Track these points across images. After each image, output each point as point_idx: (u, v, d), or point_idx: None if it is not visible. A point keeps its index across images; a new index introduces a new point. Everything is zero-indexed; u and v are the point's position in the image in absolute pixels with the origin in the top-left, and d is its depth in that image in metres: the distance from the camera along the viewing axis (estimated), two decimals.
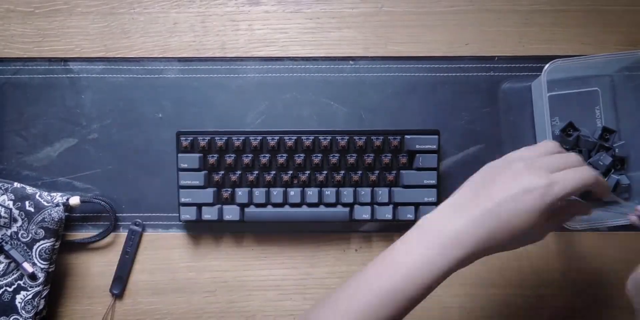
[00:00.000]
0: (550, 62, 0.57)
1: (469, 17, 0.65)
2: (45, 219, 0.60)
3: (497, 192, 0.47)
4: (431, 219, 0.49)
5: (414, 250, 0.47)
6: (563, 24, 0.65)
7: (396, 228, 0.64)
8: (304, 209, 0.62)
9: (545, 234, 0.51)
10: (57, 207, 0.60)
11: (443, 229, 0.47)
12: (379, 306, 0.46)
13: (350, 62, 0.65)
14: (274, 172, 0.62)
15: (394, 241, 0.63)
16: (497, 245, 0.47)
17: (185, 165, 0.62)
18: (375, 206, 0.62)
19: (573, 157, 0.49)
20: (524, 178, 0.47)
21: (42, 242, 0.60)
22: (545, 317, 0.64)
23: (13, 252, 0.59)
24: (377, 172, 0.62)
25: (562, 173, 0.47)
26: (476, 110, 0.65)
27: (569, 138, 0.62)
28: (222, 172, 0.62)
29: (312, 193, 0.62)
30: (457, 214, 0.48)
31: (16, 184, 0.61)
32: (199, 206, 0.62)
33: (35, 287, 0.60)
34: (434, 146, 0.61)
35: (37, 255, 0.60)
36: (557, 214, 0.50)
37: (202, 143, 0.61)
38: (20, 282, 0.60)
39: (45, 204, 0.60)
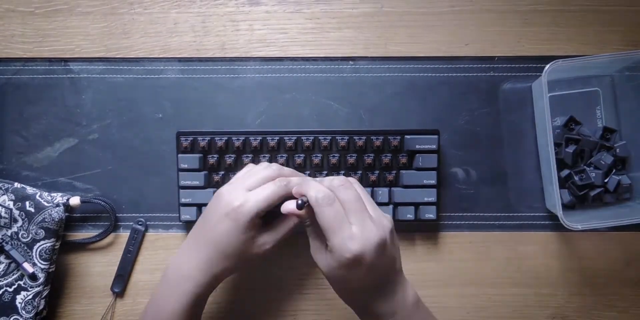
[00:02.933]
0: (551, 63, 0.57)
1: (469, 17, 0.65)
2: (46, 219, 0.60)
3: (208, 220, 0.52)
4: (172, 260, 0.54)
5: (159, 290, 0.53)
6: (563, 24, 0.65)
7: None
8: None
9: (269, 249, 0.53)
10: (57, 208, 0.60)
11: (178, 267, 0.53)
12: None
13: (350, 62, 0.65)
14: None
15: None
16: (222, 268, 0.52)
17: (185, 166, 0.62)
18: None
19: (269, 171, 0.54)
20: (223, 201, 0.51)
21: (42, 242, 0.60)
22: (545, 317, 0.64)
23: (13, 253, 0.59)
24: (377, 172, 0.62)
25: (255, 191, 0.52)
26: (476, 111, 0.65)
27: (571, 132, 0.62)
28: (223, 172, 0.62)
29: None
30: (187, 251, 0.53)
31: (16, 184, 0.61)
32: (199, 206, 0.62)
33: (36, 287, 0.60)
34: (434, 146, 0.61)
35: (38, 256, 0.60)
36: (271, 229, 0.54)
37: (202, 143, 0.61)
38: (21, 283, 0.60)
39: (46, 204, 0.60)
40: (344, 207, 0.48)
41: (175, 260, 0.53)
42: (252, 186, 0.52)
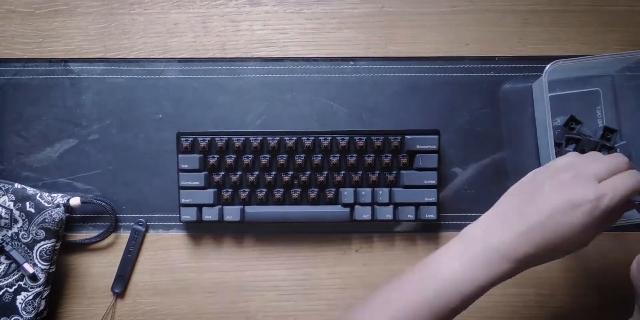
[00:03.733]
0: (552, 63, 0.57)
1: (469, 17, 0.65)
2: (46, 220, 0.60)
3: (543, 205, 0.46)
4: (476, 230, 0.48)
5: (456, 262, 0.46)
6: (563, 24, 0.65)
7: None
8: (305, 209, 0.62)
9: (592, 240, 0.48)
10: (57, 208, 0.60)
11: (487, 242, 0.46)
12: (417, 313, 0.46)
13: (351, 62, 0.65)
14: (274, 172, 0.62)
15: (394, 241, 0.64)
16: (542, 258, 0.46)
17: (185, 166, 0.62)
18: (376, 206, 0.62)
19: (620, 158, 0.47)
20: (570, 190, 0.45)
21: (42, 242, 0.60)
22: (545, 317, 0.64)
23: (14, 253, 0.59)
24: (377, 172, 0.62)
25: (611, 181, 0.45)
26: (477, 111, 0.65)
27: (572, 131, 0.62)
28: (223, 172, 0.62)
29: (312, 193, 0.62)
30: (502, 227, 0.47)
31: (17, 185, 0.61)
32: (200, 207, 0.62)
33: (36, 287, 0.60)
34: (434, 146, 0.61)
35: (38, 256, 0.60)
36: (606, 220, 0.47)
37: (203, 144, 0.61)
38: (21, 283, 0.60)
39: (46, 204, 0.60)
40: None
41: (483, 234, 0.47)
42: (602, 177, 0.45)
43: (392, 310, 0.47)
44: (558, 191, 0.45)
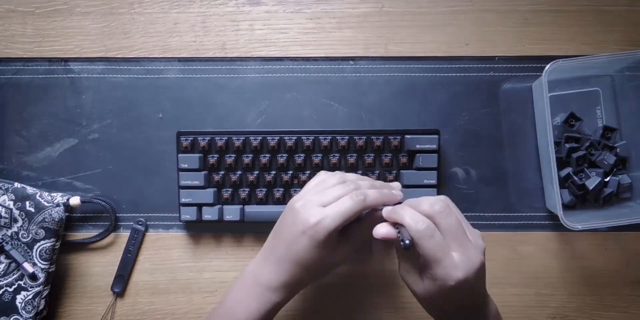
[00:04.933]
0: (551, 63, 0.57)
1: (469, 17, 0.65)
2: (46, 219, 0.60)
3: (285, 236, 0.51)
4: (250, 269, 0.54)
5: (236, 296, 0.53)
6: (563, 24, 0.65)
7: None
8: None
9: (347, 255, 0.53)
10: (57, 208, 0.60)
11: (256, 276, 0.53)
12: None
13: (351, 62, 0.65)
14: (274, 172, 0.62)
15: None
16: (300, 284, 0.53)
17: (185, 166, 0.62)
18: None
19: (340, 190, 0.52)
20: (298, 219, 0.50)
21: (42, 242, 0.60)
22: (545, 317, 0.64)
23: (13, 252, 0.59)
24: (377, 172, 0.62)
25: (331, 207, 0.50)
26: (476, 111, 0.65)
27: (572, 128, 0.62)
28: (223, 172, 0.62)
29: None
30: (264, 263, 0.53)
31: (16, 184, 0.61)
32: (200, 206, 0.62)
33: (36, 287, 0.60)
34: (434, 146, 0.61)
35: (38, 256, 0.60)
36: (349, 239, 0.53)
37: (203, 143, 0.61)
38: (21, 282, 0.60)
39: (46, 204, 0.60)
40: (444, 234, 0.46)
41: (253, 270, 0.53)
42: (327, 202, 0.51)
43: None
44: (292, 221, 0.51)
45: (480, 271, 0.46)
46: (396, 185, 0.57)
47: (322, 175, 0.55)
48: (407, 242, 0.45)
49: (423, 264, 0.46)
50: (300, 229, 0.50)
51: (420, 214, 0.47)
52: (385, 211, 0.50)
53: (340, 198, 0.51)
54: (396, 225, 0.48)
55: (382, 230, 0.49)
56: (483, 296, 0.50)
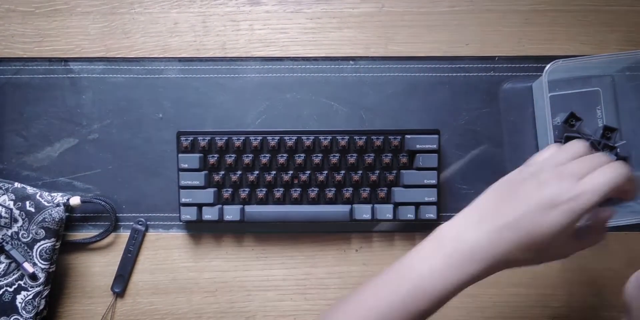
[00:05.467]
0: (552, 63, 0.57)
1: (470, 17, 0.65)
2: (46, 219, 0.60)
3: (519, 204, 0.44)
4: (449, 229, 0.47)
5: (427, 263, 0.45)
6: (563, 24, 0.65)
7: (400, 228, 0.64)
8: (305, 208, 0.62)
9: (573, 251, 0.47)
10: (57, 207, 0.60)
11: (460, 241, 0.45)
12: (389, 316, 0.45)
13: (351, 62, 0.65)
14: (274, 172, 0.62)
15: (394, 241, 0.64)
16: (516, 261, 0.45)
17: (185, 166, 0.62)
18: (376, 206, 0.62)
19: (601, 157, 0.45)
20: (549, 189, 0.44)
21: (42, 242, 0.60)
22: (545, 317, 0.64)
23: (14, 252, 0.59)
24: (377, 172, 0.62)
25: (589, 178, 0.43)
26: (477, 111, 0.65)
27: (572, 128, 0.62)
28: (223, 172, 0.62)
29: (312, 193, 0.62)
30: (476, 226, 0.45)
31: (17, 184, 0.61)
32: (200, 206, 0.62)
33: (36, 287, 0.60)
34: (435, 146, 0.61)
35: (38, 256, 0.60)
36: (585, 230, 0.47)
37: (203, 143, 0.61)
38: (21, 282, 0.60)
39: (46, 204, 0.60)
40: None
41: (455, 235, 0.46)
42: (581, 173, 0.44)
43: (364, 312, 0.46)
44: (536, 189, 0.44)
45: None
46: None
47: (566, 147, 0.48)
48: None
49: None
50: (550, 201, 0.43)
51: None
52: None
53: (589, 167, 0.44)
54: None
55: None
56: None
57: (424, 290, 0.45)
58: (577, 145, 0.47)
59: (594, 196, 0.42)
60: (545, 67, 0.57)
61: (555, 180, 0.44)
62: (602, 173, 0.43)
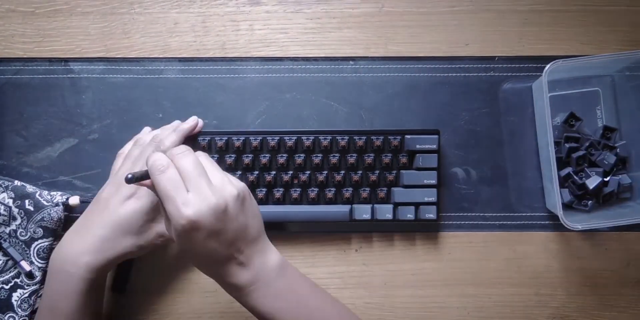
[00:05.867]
0: (551, 63, 0.57)
1: (469, 17, 0.65)
2: (45, 218, 0.60)
3: (108, 205, 0.54)
4: (55, 251, 0.54)
5: (48, 286, 0.53)
6: (563, 24, 0.65)
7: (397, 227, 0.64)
8: (304, 209, 0.62)
9: (161, 238, 0.56)
10: (56, 207, 0.60)
11: (65, 257, 0.53)
12: None
13: (351, 62, 0.65)
14: (274, 172, 0.62)
15: (393, 241, 0.64)
16: (121, 249, 0.54)
17: None
18: (375, 206, 0.62)
19: (138, 151, 0.57)
20: (123, 187, 0.54)
21: (40, 241, 0.60)
22: (545, 317, 0.64)
23: (11, 250, 0.59)
24: (377, 172, 0.62)
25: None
26: (476, 111, 0.65)
27: (572, 128, 0.62)
28: None
29: (312, 193, 0.62)
30: (74, 240, 0.53)
31: (16, 182, 0.61)
32: None
33: (32, 285, 0.60)
34: (434, 146, 0.61)
35: (35, 254, 0.60)
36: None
37: (202, 143, 0.61)
38: (17, 280, 0.60)
39: (45, 203, 0.60)
40: (181, 175, 0.46)
41: (60, 252, 0.53)
42: (131, 166, 0.56)
43: None
44: (115, 191, 0.55)
45: (218, 213, 0.45)
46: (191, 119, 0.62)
47: (133, 141, 0.60)
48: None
49: (163, 206, 0.46)
50: (125, 195, 0.54)
51: (160, 154, 0.47)
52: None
53: (132, 157, 0.56)
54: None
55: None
56: (245, 249, 0.48)
57: (51, 306, 0.53)
58: (135, 148, 0.58)
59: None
60: (545, 67, 0.57)
61: (119, 181, 0.55)
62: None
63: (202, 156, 0.50)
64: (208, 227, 0.45)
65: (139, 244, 0.55)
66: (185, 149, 0.48)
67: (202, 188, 0.46)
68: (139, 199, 0.54)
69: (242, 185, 0.49)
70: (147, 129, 0.62)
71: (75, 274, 0.52)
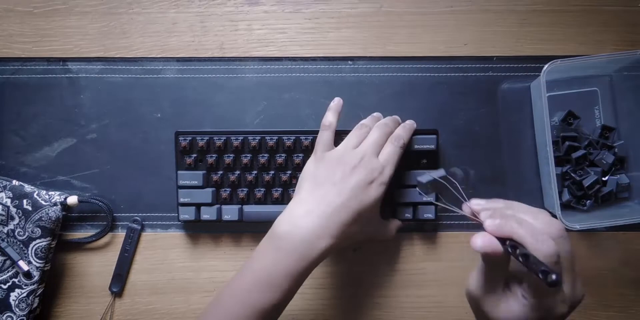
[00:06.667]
0: (550, 63, 0.57)
1: (468, 17, 0.65)
2: (43, 218, 0.59)
3: (342, 189, 0.52)
4: (283, 227, 0.52)
5: (269, 261, 0.51)
6: (561, 24, 0.65)
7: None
8: None
9: (393, 229, 0.59)
10: (54, 207, 0.60)
11: (296, 235, 0.50)
12: (241, 317, 0.50)
13: (349, 62, 0.65)
14: (272, 172, 0.62)
15: (392, 241, 0.64)
16: (350, 238, 0.52)
17: (184, 172, 0.62)
18: None
19: (381, 130, 0.56)
20: (361, 171, 0.53)
21: (38, 240, 0.60)
22: None
23: (9, 250, 0.59)
24: None
25: (382, 154, 0.55)
26: (475, 110, 0.65)
27: (570, 127, 0.62)
28: (221, 172, 0.62)
29: None
30: (308, 218, 0.51)
31: (15, 182, 0.61)
32: (198, 206, 0.62)
33: (30, 285, 0.60)
34: (433, 146, 0.61)
35: (33, 254, 0.60)
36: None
37: (201, 143, 0.61)
38: (15, 280, 0.60)
39: (43, 203, 0.60)
40: (562, 261, 0.40)
41: (297, 227, 0.51)
42: (378, 151, 0.55)
43: (222, 315, 0.51)
44: (350, 174, 0.53)
45: (577, 305, 0.43)
46: (409, 122, 0.61)
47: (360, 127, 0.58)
48: (554, 277, 0.36)
49: (525, 289, 0.41)
50: (366, 179, 0.52)
51: (544, 235, 0.40)
52: (493, 224, 0.42)
53: (382, 143, 0.56)
54: (505, 240, 0.41)
55: (482, 241, 0.41)
56: None
57: (269, 284, 0.50)
58: (362, 130, 0.57)
59: (391, 166, 0.54)
60: (543, 67, 0.57)
61: (362, 162, 0.53)
62: (388, 146, 0.56)
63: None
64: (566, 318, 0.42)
65: (366, 234, 0.55)
66: (563, 228, 0.42)
67: (577, 281, 0.42)
68: (378, 188, 0.53)
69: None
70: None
71: (309, 256, 0.50)
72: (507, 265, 0.42)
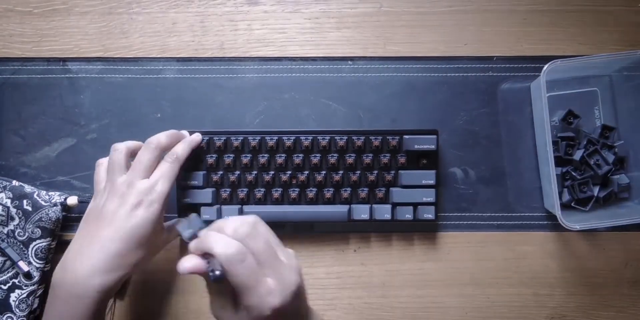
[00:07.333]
0: (550, 63, 0.57)
1: (468, 17, 0.65)
2: (43, 219, 0.59)
3: (105, 219, 0.51)
4: (56, 270, 0.51)
5: (49, 308, 0.51)
6: (561, 24, 0.65)
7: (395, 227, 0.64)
8: (303, 209, 0.62)
9: (166, 241, 0.58)
10: (54, 207, 0.60)
11: (67, 276, 0.50)
12: None
13: (349, 62, 0.65)
14: (272, 172, 0.62)
15: (392, 241, 0.64)
16: (136, 266, 0.52)
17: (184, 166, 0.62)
18: (374, 206, 0.62)
19: (150, 154, 0.54)
20: (128, 197, 0.51)
21: (38, 241, 0.60)
22: (544, 317, 0.64)
23: (9, 251, 0.59)
24: (375, 172, 0.62)
25: (158, 171, 0.54)
26: (475, 111, 0.65)
27: (570, 126, 0.62)
28: (221, 172, 0.62)
29: (310, 193, 0.62)
30: (77, 255, 0.51)
31: (15, 182, 0.61)
32: (198, 206, 0.62)
33: (30, 286, 0.60)
34: (433, 146, 0.61)
35: (33, 254, 0.60)
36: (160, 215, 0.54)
37: (201, 143, 0.61)
38: (15, 281, 0.60)
39: (43, 203, 0.60)
40: (256, 258, 0.42)
41: (65, 276, 0.50)
42: (146, 173, 0.53)
43: None
44: (119, 204, 0.52)
45: (298, 293, 0.44)
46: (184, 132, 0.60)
47: (108, 159, 0.56)
48: (217, 272, 0.40)
49: (237, 294, 0.43)
50: (132, 203, 0.51)
51: (229, 238, 0.43)
52: (193, 245, 0.45)
53: (151, 164, 0.54)
54: (205, 255, 0.43)
55: (187, 264, 0.43)
56: (303, 316, 0.48)
57: None
58: (117, 154, 0.55)
59: (164, 182, 0.53)
60: (543, 67, 0.57)
61: (129, 188, 0.52)
62: (162, 163, 0.55)
63: (262, 226, 0.46)
64: (289, 310, 0.43)
65: (149, 257, 0.54)
66: (251, 226, 0.44)
67: (280, 271, 0.43)
68: (148, 207, 0.52)
69: (292, 251, 0.47)
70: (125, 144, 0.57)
71: (86, 297, 0.49)
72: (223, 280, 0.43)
